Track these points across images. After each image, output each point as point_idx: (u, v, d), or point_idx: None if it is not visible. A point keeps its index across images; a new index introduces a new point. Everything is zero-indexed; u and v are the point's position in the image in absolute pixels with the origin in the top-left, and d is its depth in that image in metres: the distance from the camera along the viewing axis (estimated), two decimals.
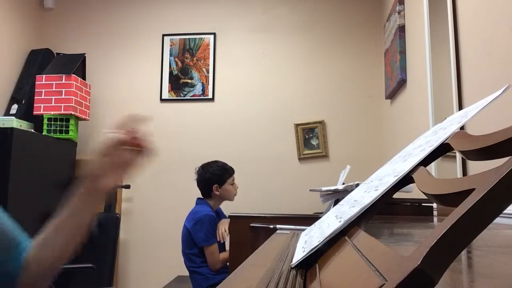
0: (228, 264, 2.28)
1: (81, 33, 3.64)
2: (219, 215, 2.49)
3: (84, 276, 2.76)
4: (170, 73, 3.52)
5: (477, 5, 1.42)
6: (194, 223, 2.34)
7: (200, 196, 2.56)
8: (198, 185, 2.53)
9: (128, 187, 3.38)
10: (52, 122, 3.14)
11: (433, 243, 0.21)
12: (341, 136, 3.31)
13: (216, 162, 2.55)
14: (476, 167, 1.37)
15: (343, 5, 3.43)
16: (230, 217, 1.67)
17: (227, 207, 2.56)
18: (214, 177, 2.47)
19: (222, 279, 0.73)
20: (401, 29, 2.50)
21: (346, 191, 1.13)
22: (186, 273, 2.56)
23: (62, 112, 3.10)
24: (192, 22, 3.55)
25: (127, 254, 3.39)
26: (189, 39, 3.53)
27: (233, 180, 2.54)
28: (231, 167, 2.55)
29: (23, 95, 3.26)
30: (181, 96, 3.49)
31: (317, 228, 0.57)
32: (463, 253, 0.48)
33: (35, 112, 3.12)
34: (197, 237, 2.32)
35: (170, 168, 3.40)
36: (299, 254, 0.49)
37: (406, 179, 0.42)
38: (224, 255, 2.35)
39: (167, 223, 3.33)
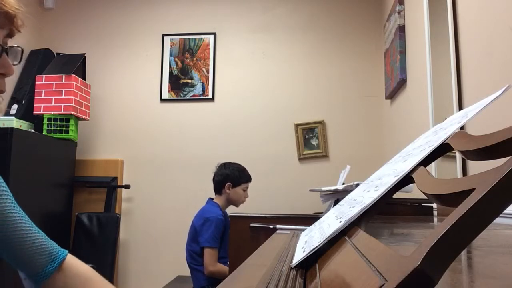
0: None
1: (81, 33, 3.64)
2: (226, 217, 2.48)
3: None
4: (170, 73, 3.52)
5: (477, 5, 1.42)
6: (202, 222, 2.36)
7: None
8: (214, 179, 2.56)
9: (128, 187, 3.38)
10: (52, 122, 3.13)
11: (433, 243, 0.21)
12: (341, 136, 3.31)
13: (238, 164, 2.60)
14: (476, 167, 1.37)
15: (343, 5, 3.43)
16: (230, 217, 1.67)
17: (228, 206, 2.57)
18: (231, 176, 2.51)
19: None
20: (401, 29, 2.50)
21: (346, 191, 1.12)
22: (186, 273, 2.56)
23: (62, 112, 3.10)
24: (192, 22, 3.55)
25: (127, 254, 3.39)
26: (189, 39, 3.53)
27: (247, 187, 2.57)
28: (249, 175, 2.59)
29: (23, 95, 3.25)
30: (181, 96, 3.49)
31: (317, 228, 0.57)
32: (463, 253, 0.48)
33: (35, 112, 3.11)
34: (201, 236, 2.33)
35: (170, 168, 3.40)
36: (299, 254, 0.49)
37: (406, 179, 0.42)
38: (222, 267, 2.31)
39: (167, 223, 3.33)
